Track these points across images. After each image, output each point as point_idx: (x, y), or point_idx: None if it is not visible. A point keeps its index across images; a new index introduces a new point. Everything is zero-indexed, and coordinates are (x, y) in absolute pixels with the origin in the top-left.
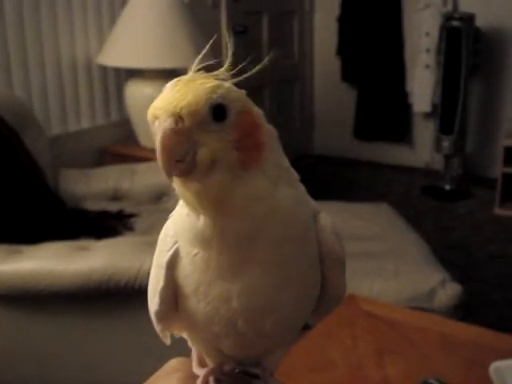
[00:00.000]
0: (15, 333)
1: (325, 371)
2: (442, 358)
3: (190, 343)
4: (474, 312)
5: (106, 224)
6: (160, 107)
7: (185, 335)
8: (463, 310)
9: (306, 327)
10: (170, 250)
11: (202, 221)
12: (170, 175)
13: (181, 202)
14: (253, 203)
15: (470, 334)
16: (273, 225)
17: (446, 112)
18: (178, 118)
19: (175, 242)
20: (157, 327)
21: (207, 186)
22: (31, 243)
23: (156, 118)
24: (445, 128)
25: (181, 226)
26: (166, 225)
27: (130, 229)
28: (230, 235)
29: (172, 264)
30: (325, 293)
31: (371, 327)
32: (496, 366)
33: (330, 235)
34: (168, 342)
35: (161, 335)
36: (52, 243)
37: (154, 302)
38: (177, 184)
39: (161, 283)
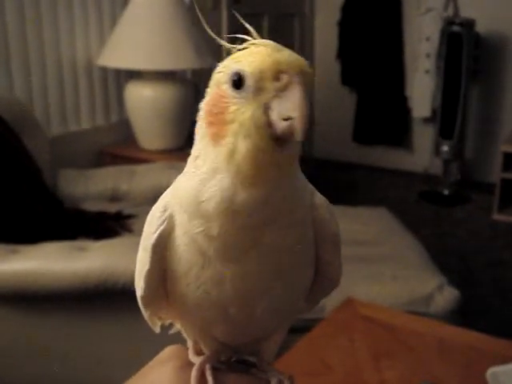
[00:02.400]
0: (12, 333)
1: (322, 375)
2: (439, 363)
3: (183, 333)
4: (471, 317)
5: (105, 225)
6: (288, 62)
7: (178, 324)
8: (460, 315)
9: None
10: (155, 232)
11: (242, 192)
12: (303, 132)
13: (193, 173)
14: (295, 180)
15: (466, 339)
16: (288, 208)
17: (446, 117)
18: (304, 74)
19: (163, 223)
20: (144, 313)
21: (291, 152)
22: (29, 243)
23: (280, 72)
24: (444, 132)
25: (193, 197)
26: (153, 208)
27: (129, 230)
28: (263, 212)
29: (161, 245)
30: (319, 275)
31: (368, 331)
32: (493, 371)
33: (326, 214)
34: (157, 329)
35: (149, 322)
36: (50, 243)
37: (139, 286)
38: (256, 149)
39: (146, 267)
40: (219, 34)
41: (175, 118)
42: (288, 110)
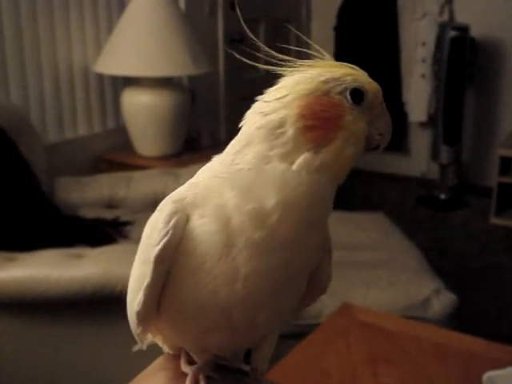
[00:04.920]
0: (9, 340)
1: (319, 381)
2: (436, 368)
3: (165, 347)
4: (468, 321)
5: (101, 232)
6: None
7: (159, 341)
8: (457, 320)
9: None
10: (158, 244)
11: (331, 188)
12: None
13: (258, 166)
14: None
15: (463, 343)
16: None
17: (448, 122)
18: None
19: (167, 234)
20: (136, 330)
21: None
22: (26, 250)
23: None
24: (447, 138)
25: (275, 184)
26: (152, 219)
27: (125, 236)
28: (328, 209)
29: (164, 256)
30: (312, 282)
31: (365, 336)
32: (489, 376)
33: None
34: (144, 346)
35: (138, 339)
36: (47, 250)
37: (136, 301)
38: (357, 154)
39: (147, 280)
40: (216, 40)
41: (172, 124)
42: (384, 128)
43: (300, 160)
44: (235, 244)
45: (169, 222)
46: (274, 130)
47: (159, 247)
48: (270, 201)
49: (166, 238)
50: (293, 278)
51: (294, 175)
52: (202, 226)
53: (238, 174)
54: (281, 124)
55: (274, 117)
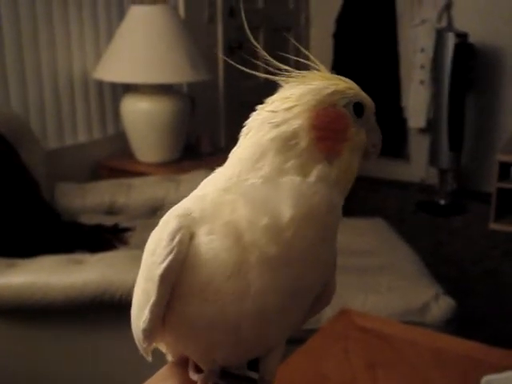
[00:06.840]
0: (9, 346)
1: None
2: (435, 372)
3: (169, 356)
4: (467, 327)
5: (101, 238)
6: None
7: (162, 347)
8: (456, 325)
9: None
10: (163, 262)
11: (340, 200)
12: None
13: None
14: None
15: (462, 348)
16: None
17: (453, 128)
18: None
19: (171, 251)
20: (142, 345)
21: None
22: (26, 256)
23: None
24: (451, 144)
25: (297, 197)
26: (155, 235)
27: (125, 243)
28: (338, 223)
29: (170, 274)
30: (319, 294)
31: (364, 341)
32: (487, 380)
33: None
34: (150, 358)
35: (144, 353)
36: (47, 256)
37: (141, 318)
38: (357, 165)
39: (153, 298)
40: (215, 47)
41: (171, 130)
42: (377, 140)
43: (315, 172)
44: (247, 261)
45: (173, 239)
46: (288, 142)
47: (164, 265)
48: (286, 214)
49: (170, 256)
50: (303, 293)
51: (310, 186)
52: (211, 242)
53: (251, 188)
54: (294, 135)
55: (287, 128)
